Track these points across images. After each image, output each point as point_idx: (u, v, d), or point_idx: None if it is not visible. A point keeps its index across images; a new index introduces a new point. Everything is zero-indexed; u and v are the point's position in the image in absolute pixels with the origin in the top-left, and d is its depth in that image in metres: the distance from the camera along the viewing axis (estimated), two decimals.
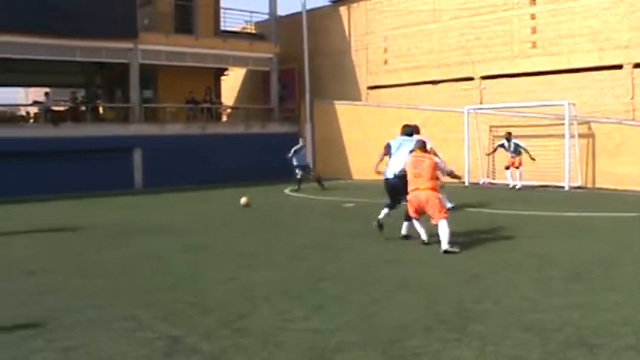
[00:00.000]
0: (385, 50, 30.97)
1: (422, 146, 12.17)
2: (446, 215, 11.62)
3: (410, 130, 13.53)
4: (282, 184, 25.91)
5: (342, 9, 32.83)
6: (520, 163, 23.05)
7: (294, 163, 25.39)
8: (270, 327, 6.85)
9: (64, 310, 7.79)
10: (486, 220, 15.15)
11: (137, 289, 8.84)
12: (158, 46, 29.15)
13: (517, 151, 23.11)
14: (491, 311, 7.30)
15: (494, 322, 6.85)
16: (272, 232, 14.31)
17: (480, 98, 26.85)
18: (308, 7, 32.49)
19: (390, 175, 12.83)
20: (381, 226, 12.70)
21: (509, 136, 23.30)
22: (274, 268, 10.15)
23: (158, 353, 6.16)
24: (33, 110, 30.97)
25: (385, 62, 30.97)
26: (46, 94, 29.95)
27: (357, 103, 31.22)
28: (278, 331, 6.69)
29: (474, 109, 25.74)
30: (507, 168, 23.57)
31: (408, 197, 11.99)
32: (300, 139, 26.75)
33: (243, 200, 19.12)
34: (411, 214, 12.14)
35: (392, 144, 13.05)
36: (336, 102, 31.61)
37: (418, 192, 11.75)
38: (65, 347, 6.38)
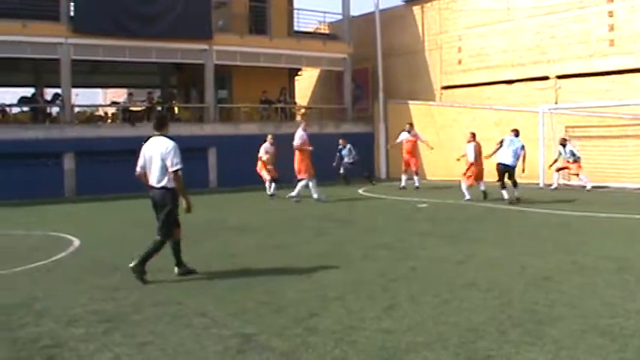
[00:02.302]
0: (459, 50, 30.73)
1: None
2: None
3: (517, 132, 19.29)
4: (358, 184, 25.97)
5: (416, 8, 32.66)
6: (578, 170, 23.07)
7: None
8: (341, 326, 6.89)
9: (143, 306, 8.00)
10: (559, 222, 14.95)
11: (212, 287, 8.98)
12: (233, 47, 29.46)
13: (574, 157, 23.04)
14: (566, 315, 7.19)
15: (569, 327, 6.75)
16: (345, 232, 14.33)
17: (556, 98, 26.41)
18: (381, 6, 32.48)
19: (501, 161, 18.70)
20: (516, 199, 18.73)
21: (564, 142, 23.25)
22: (347, 267, 10.17)
23: (231, 350, 6.26)
24: (111, 110, 31.65)
25: (459, 62, 30.73)
26: (130, 94, 30.67)
27: (430, 103, 31.02)
28: (350, 331, 6.72)
29: (549, 109, 25.31)
30: (558, 170, 23.45)
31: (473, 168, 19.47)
32: (340, 140, 27.45)
33: None
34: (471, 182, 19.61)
35: (505, 140, 18.78)
36: (409, 102, 31.45)
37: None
38: (141, 342, 6.55)
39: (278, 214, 18.23)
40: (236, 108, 31.81)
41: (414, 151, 25.01)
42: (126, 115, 28.77)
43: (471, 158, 19.41)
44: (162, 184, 9.52)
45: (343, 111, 33.33)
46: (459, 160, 20.94)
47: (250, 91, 31.34)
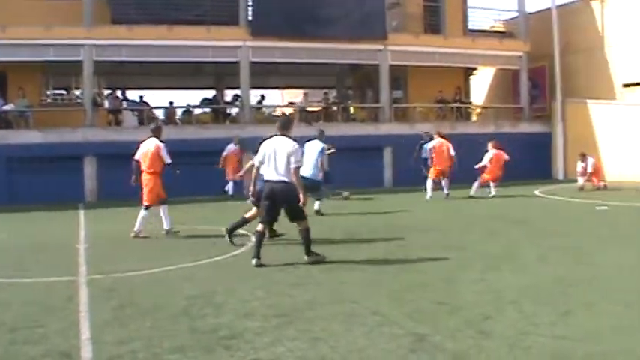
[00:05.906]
0: None
1: None
2: None
3: None
4: (533, 185, 25.40)
5: (595, 3, 31.39)
6: None
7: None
8: (515, 331, 6.74)
9: (318, 303, 8.12)
10: None
11: (387, 286, 9.01)
12: (407, 47, 29.55)
13: None
14: None
15: None
16: (519, 233, 14.02)
17: None
18: (558, 2, 31.57)
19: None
20: None
21: None
22: (522, 270, 9.94)
23: (403, 349, 6.26)
24: (287, 111, 32.46)
25: None
26: (305, 94, 31.44)
27: (611, 102, 29.81)
28: (524, 336, 6.56)
29: None
30: None
31: None
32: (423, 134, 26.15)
33: None
34: None
35: None
36: (588, 101, 30.37)
37: None
38: (314, 337, 6.67)
39: (451, 214, 18.12)
40: (411, 108, 31.85)
41: None
42: (302, 115, 29.46)
43: None
44: (285, 178, 10.69)
45: (520, 110, 32.67)
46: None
47: (425, 91, 31.32)
